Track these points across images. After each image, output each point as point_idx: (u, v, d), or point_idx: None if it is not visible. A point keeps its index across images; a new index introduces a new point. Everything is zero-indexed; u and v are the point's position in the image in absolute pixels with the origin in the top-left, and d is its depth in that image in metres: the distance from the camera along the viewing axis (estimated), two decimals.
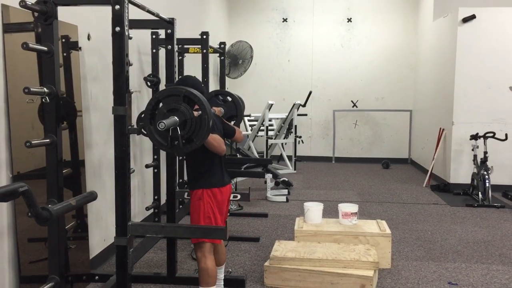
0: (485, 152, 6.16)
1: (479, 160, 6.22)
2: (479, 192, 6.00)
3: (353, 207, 4.04)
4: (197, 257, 2.88)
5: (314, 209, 4.08)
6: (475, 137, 6.36)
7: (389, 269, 3.77)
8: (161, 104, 2.36)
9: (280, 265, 3.41)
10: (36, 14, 2.29)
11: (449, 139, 6.89)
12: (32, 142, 2.19)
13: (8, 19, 2.63)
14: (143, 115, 2.34)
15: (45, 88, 2.26)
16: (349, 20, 9.54)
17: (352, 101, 9.65)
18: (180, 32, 3.62)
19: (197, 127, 2.29)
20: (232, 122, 3.54)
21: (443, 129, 7.14)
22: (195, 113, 2.34)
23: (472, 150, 6.40)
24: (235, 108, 3.60)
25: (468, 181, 6.49)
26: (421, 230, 4.87)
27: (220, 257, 3.12)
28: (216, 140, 2.73)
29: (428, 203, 6.13)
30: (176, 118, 2.23)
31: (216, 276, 2.91)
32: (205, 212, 2.83)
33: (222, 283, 3.20)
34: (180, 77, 3.23)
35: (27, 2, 2.15)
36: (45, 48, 2.26)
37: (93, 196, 2.05)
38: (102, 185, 3.76)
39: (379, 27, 9.49)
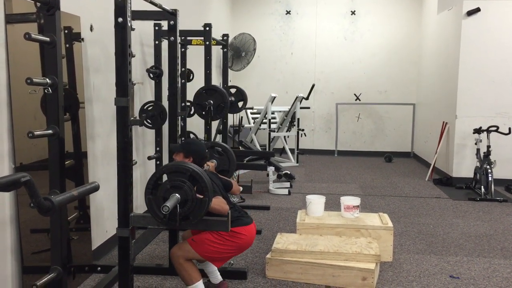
0: (488, 146, 6.14)
1: (482, 154, 6.21)
2: (482, 186, 5.99)
3: (355, 200, 4.04)
4: (172, 253, 2.86)
5: (316, 202, 4.08)
6: (478, 131, 6.34)
7: (390, 262, 3.77)
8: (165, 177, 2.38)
9: (282, 258, 3.41)
10: (38, 4, 2.28)
11: (452, 133, 6.87)
12: (35, 133, 2.18)
13: (10, 10, 2.62)
14: (146, 185, 2.36)
15: (47, 79, 2.25)
16: (353, 12, 9.49)
17: (355, 94, 9.62)
18: (183, 23, 3.61)
19: (196, 207, 2.30)
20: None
21: (446, 123, 7.12)
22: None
23: (475, 144, 6.38)
24: (228, 163, 3.60)
25: (471, 175, 6.47)
26: (423, 224, 4.87)
27: None
28: (218, 204, 2.63)
29: (431, 196, 6.12)
30: (177, 196, 2.25)
31: (196, 269, 2.88)
32: (218, 249, 2.83)
33: (218, 274, 3.18)
34: (185, 140, 3.25)
35: None
36: (48, 39, 2.24)
37: (95, 187, 2.04)
38: (104, 177, 3.76)
39: (383, 20, 9.44)
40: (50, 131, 2.29)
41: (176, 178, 2.30)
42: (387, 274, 3.56)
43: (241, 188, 3.48)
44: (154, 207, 2.31)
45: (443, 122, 7.22)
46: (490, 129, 6.27)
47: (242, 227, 2.90)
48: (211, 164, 3.32)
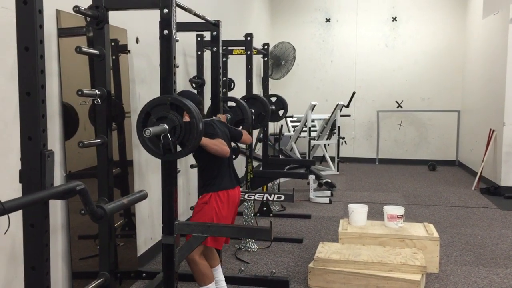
0: None
1: None
2: None
3: (399, 210, 3.96)
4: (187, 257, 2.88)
5: (358, 211, 4.03)
6: None
7: (437, 274, 3.67)
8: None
9: (325, 267, 3.38)
10: (88, 19, 2.37)
11: (499, 141, 6.64)
12: (85, 142, 2.27)
13: (60, 24, 2.74)
14: (136, 129, 2.34)
15: (97, 90, 2.33)
16: (394, 19, 9.36)
17: (396, 101, 9.46)
18: (224, 33, 3.66)
19: (187, 131, 2.28)
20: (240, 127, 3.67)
21: (493, 130, 6.88)
22: (187, 118, 2.31)
23: None
24: (241, 112, 3.71)
25: None
26: (470, 234, 4.71)
27: (213, 262, 3.11)
28: (215, 143, 2.81)
29: (478, 206, 5.92)
30: (165, 125, 2.23)
31: (210, 270, 2.95)
32: (206, 215, 2.88)
33: (224, 284, 3.16)
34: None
35: (81, 8, 2.22)
36: (97, 52, 2.33)
37: (143, 195, 2.09)
38: (148, 185, 3.84)
39: (425, 26, 9.26)
40: (99, 141, 2.37)
41: (159, 111, 2.28)
42: (433, 286, 3.46)
43: (251, 138, 3.53)
44: (148, 144, 2.27)
45: (490, 129, 6.98)
46: None
47: (228, 190, 2.96)
48: (222, 116, 3.38)
